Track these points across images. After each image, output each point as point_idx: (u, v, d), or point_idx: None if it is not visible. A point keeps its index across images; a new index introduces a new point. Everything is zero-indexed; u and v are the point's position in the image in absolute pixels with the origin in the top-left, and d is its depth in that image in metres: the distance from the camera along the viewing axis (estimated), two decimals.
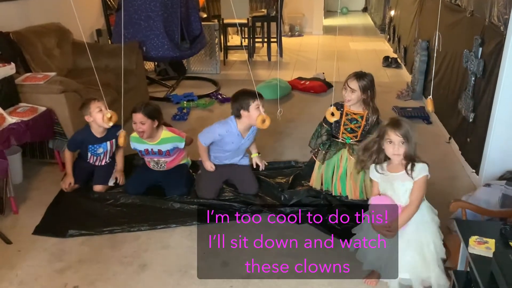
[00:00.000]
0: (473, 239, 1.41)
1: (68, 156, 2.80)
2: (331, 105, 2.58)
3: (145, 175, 2.81)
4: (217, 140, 2.67)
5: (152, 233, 2.42)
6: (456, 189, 2.75)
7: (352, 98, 2.52)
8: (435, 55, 3.48)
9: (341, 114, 2.60)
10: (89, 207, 2.64)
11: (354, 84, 2.50)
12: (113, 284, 2.06)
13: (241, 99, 2.59)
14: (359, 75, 2.52)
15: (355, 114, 2.58)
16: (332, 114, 2.54)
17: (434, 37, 3.72)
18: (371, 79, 2.54)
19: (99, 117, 2.69)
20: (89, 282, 2.07)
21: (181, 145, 2.78)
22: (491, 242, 1.39)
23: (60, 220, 2.52)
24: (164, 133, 2.74)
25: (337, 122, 2.62)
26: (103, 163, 2.85)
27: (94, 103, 2.70)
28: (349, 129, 2.61)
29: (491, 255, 1.33)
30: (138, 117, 2.61)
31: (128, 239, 2.37)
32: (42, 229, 2.45)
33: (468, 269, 1.52)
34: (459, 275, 1.53)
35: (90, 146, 2.78)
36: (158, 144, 2.73)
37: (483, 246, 1.38)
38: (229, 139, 2.67)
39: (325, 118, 2.70)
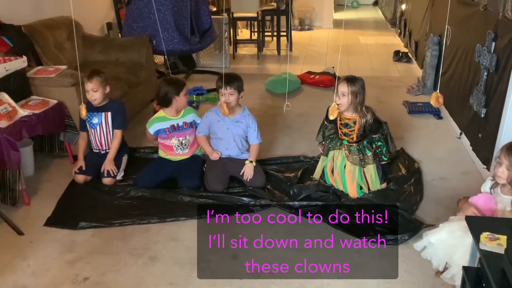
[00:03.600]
0: (484, 236, 1.39)
1: (81, 140, 2.90)
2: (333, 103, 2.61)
3: (158, 170, 2.83)
4: (208, 123, 2.84)
5: (162, 225, 2.44)
6: (467, 184, 2.73)
7: (343, 103, 2.55)
8: (443, 48, 3.45)
9: (337, 118, 2.64)
10: (100, 199, 2.67)
11: (344, 88, 2.53)
12: (123, 276, 2.08)
13: (219, 80, 2.74)
14: (350, 79, 2.55)
15: (348, 119, 2.62)
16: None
17: (445, 31, 3.69)
18: (362, 84, 2.56)
19: (88, 96, 2.81)
20: (99, 273, 2.09)
21: (197, 117, 2.93)
22: (503, 239, 1.37)
23: (71, 212, 2.55)
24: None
25: (336, 124, 2.68)
26: (103, 144, 2.88)
27: (87, 84, 2.76)
28: (344, 133, 2.66)
29: (502, 252, 1.32)
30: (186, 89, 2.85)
31: (138, 231, 2.39)
32: (53, 221, 2.48)
33: (479, 266, 1.52)
34: (470, 271, 1.52)
35: (88, 114, 2.82)
36: (182, 117, 2.85)
37: (494, 243, 1.36)
38: (214, 118, 2.82)
39: (326, 115, 2.72)
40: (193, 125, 2.90)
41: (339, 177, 2.68)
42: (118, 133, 2.87)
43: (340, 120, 2.65)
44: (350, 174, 2.64)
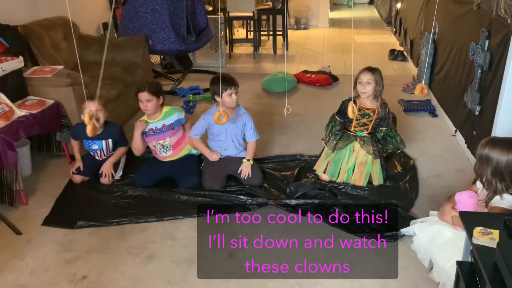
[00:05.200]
0: (477, 230, 1.41)
1: (74, 144, 2.87)
2: (349, 100, 2.64)
3: (155, 169, 2.84)
4: (206, 126, 2.80)
5: (159, 224, 2.45)
6: (462, 182, 2.75)
7: (368, 90, 2.65)
8: (430, 44, 3.47)
9: (344, 118, 2.73)
10: (97, 198, 2.68)
11: (369, 76, 2.64)
12: (121, 274, 2.09)
13: (216, 85, 2.68)
14: (371, 68, 2.68)
15: (367, 109, 2.69)
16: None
17: (432, 27, 3.73)
18: (380, 72, 2.70)
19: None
20: (97, 272, 2.10)
21: (182, 115, 2.86)
22: (495, 233, 1.39)
23: (68, 212, 2.56)
24: (165, 107, 2.84)
25: (341, 128, 2.75)
26: (102, 158, 2.88)
27: (87, 104, 2.66)
28: (361, 123, 2.71)
29: (495, 246, 1.34)
30: (144, 95, 2.70)
31: (136, 230, 2.40)
32: (51, 220, 2.49)
33: (472, 260, 1.54)
34: (464, 266, 1.54)
35: (85, 141, 2.82)
36: (162, 120, 2.79)
37: (487, 237, 1.39)
38: (212, 121, 2.74)
39: (339, 110, 2.79)
40: (173, 126, 2.81)
41: (346, 172, 2.72)
42: (123, 148, 2.89)
43: (359, 111, 2.70)
44: (361, 167, 2.69)
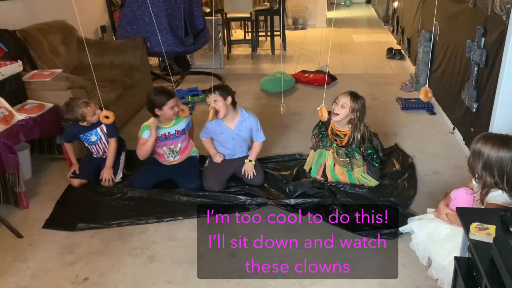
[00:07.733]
0: (474, 226, 1.43)
1: (68, 148, 2.89)
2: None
3: (155, 171, 2.84)
4: (212, 132, 2.81)
5: (159, 225, 2.46)
6: (460, 179, 2.76)
7: (340, 113, 2.59)
8: (431, 44, 3.48)
9: (327, 128, 2.74)
10: (97, 200, 2.69)
11: (346, 100, 2.57)
12: (122, 275, 2.10)
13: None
14: (353, 94, 2.59)
15: (339, 131, 2.69)
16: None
17: (433, 27, 3.74)
18: (363, 102, 2.61)
19: (95, 118, 2.79)
20: (99, 273, 2.12)
21: (189, 118, 2.89)
22: (492, 228, 1.41)
23: (69, 214, 2.57)
24: None
25: (326, 130, 2.76)
26: (103, 149, 2.89)
27: (88, 109, 2.73)
28: (334, 138, 2.74)
29: (491, 241, 1.35)
30: (175, 101, 2.72)
31: (136, 231, 2.42)
32: (52, 223, 2.50)
33: (470, 256, 1.55)
34: (461, 261, 1.56)
35: (82, 136, 2.83)
36: (175, 125, 2.80)
37: (483, 232, 1.40)
38: (218, 129, 2.78)
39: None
40: (185, 131, 2.85)
41: (330, 174, 2.75)
42: (113, 141, 2.87)
43: (331, 130, 2.72)
44: (340, 174, 2.73)
